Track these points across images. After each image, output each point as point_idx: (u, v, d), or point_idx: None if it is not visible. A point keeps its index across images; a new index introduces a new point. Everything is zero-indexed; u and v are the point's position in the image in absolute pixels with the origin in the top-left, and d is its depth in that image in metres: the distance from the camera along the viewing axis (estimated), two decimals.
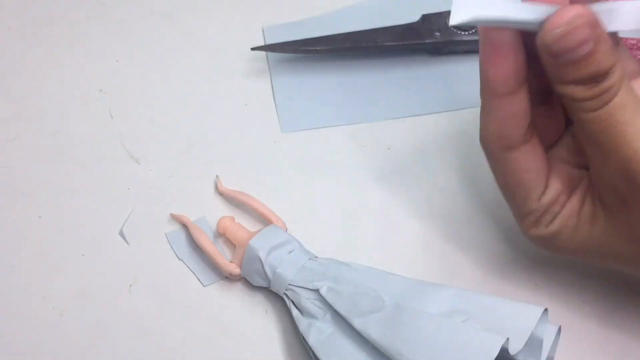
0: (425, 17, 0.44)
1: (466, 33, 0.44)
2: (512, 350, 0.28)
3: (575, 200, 0.31)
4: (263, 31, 0.47)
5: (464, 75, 0.44)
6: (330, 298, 0.32)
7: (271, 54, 0.45)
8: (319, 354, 0.31)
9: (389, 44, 0.43)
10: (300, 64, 0.45)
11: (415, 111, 0.43)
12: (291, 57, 0.45)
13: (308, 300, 0.33)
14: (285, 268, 0.33)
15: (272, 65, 0.45)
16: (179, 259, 0.37)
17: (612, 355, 0.33)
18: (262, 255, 0.34)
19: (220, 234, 0.37)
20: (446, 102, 0.43)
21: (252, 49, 0.44)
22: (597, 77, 0.27)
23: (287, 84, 0.44)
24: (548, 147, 0.32)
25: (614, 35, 0.29)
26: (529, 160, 0.30)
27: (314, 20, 0.47)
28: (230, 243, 0.37)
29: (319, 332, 0.32)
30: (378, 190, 0.39)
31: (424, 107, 0.43)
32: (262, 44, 0.46)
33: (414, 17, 0.45)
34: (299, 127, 0.42)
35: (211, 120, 0.43)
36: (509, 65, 0.28)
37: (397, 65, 0.45)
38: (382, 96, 0.44)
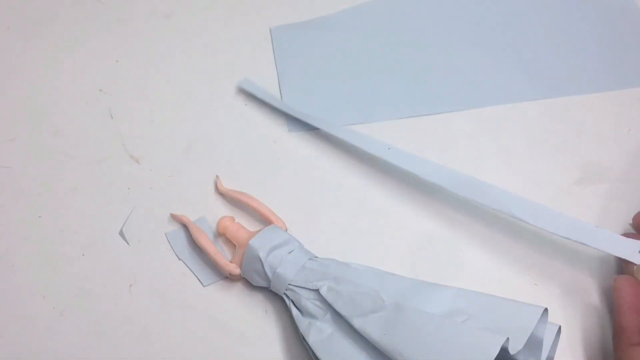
0: None
1: None
2: (512, 350, 0.28)
3: None
4: (270, 31, 0.47)
5: (468, 76, 0.44)
6: (330, 298, 0.32)
7: (277, 51, 0.45)
8: (319, 354, 0.31)
9: None
10: (306, 65, 0.45)
11: (416, 112, 0.43)
12: (298, 56, 0.45)
13: (308, 300, 0.33)
14: (285, 268, 0.33)
15: (279, 64, 0.45)
16: (179, 259, 0.37)
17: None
18: (262, 255, 0.34)
19: (220, 234, 0.37)
20: (445, 103, 0.43)
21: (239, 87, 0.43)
22: None
23: (295, 84, 0.44)
24: None
25: None
26: None
27: (319, 21, 0.47)
28: (230, 243, 0.37)
29: (319, 332, 0.32)
30: (378, 190, 0.39)
31: (424, 108, 0.43)
32: (261, 43, 0.46)
33: (418, 17, 0.45)
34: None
35: (211, 120, 0.43)
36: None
37: (400, 70, 0.45)
38: (383, 97, 0.44)
